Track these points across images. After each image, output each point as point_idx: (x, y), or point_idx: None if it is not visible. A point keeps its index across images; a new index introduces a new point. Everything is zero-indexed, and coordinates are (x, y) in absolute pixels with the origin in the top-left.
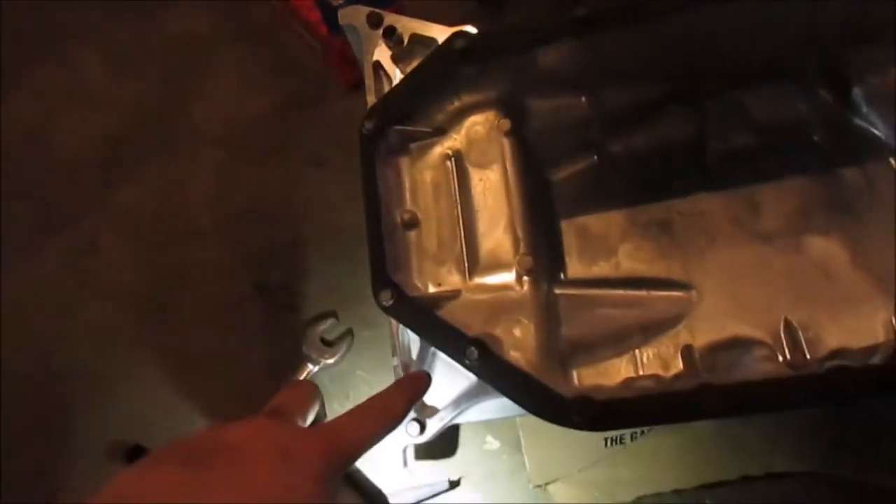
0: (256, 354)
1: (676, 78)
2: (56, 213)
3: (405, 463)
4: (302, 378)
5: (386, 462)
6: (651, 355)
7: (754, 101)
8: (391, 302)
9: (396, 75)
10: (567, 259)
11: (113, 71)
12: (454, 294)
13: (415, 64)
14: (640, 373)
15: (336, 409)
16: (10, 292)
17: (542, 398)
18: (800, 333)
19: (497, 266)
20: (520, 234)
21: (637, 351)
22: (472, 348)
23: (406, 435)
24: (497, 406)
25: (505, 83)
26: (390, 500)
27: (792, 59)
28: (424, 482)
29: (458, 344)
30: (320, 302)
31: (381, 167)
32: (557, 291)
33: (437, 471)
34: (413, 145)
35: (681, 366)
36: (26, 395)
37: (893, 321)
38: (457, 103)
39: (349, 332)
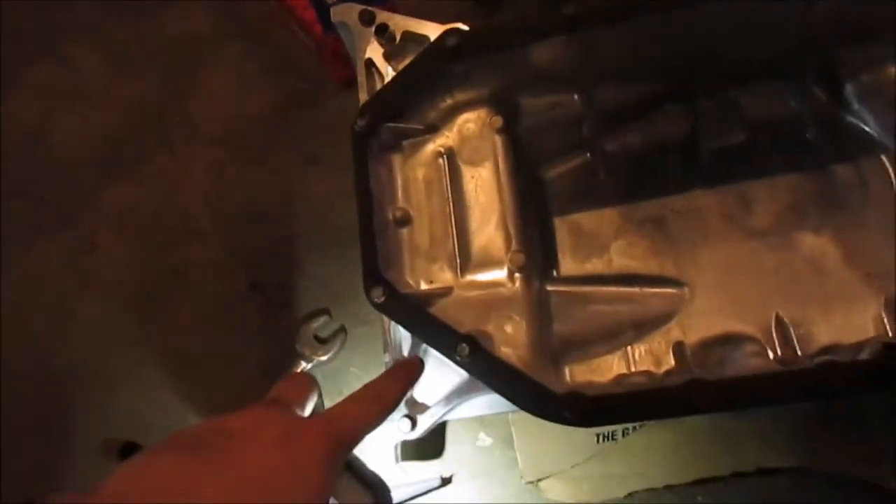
0: (252, 352)
1: (670, 76)
2: (55, 213)
3: (397, 459)
4: None
5: (378, 459)
6: (643, 352)
7: (748, 99)
8: (383, 299)
9: (389, 73)
10: (560, 256)
11: (112, 70)
12: (446, 291)
13: (407, 61)
14: (633, 369)
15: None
16: (9, 292)
17: (532, 394)
18: (791, 330)
19: (489, 263)
20: (511, 231)
21: (629, 347)
22: (464, 345)
23: (397, 431)
24: (488, 402)
25: (497, 81)
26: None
27: (785, 57)
28: (417, 479)
29: (449, 341)
30: (314, 299)
31: (374, 164)
32: (550, 288)
33: (430, 467)
34: (405, 143)
35: (672, 362)
36: (25, 395)
37: (884, 317)
38: (449, 101)
39: (342, 330)
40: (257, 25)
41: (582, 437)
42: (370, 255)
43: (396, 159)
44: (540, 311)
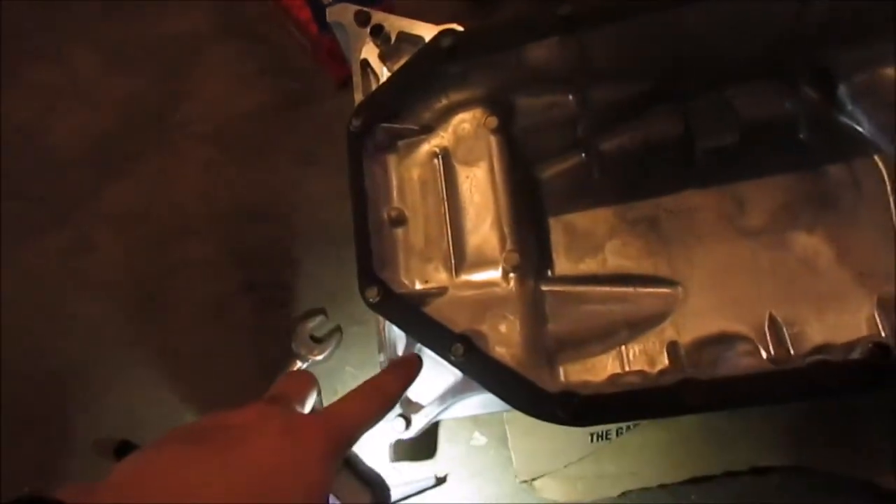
0: (248, 351)
1: (664, 75)
2: (52, 212)
3: (392, 458)
4: None
5: (372, 459)
6: (637, 351)
7: (742, 99)
8: (378, 299)
9: (384, 73)
10: (554, 256)
11: (108, 70)
12: (441, 291)
13: (402, 62)
14: (627, 369)
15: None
16: (5, 290)
17: (526, 394)
18: (784, 329)
19: (484, 263)
20: (506, 231)
21: (623, 347)
22: (458, 345)
23: (392, 431)
24: (482, 402)
25: (492, 81)
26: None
27: (779, 57)
28: (411, 478)
29: (443, 341)
30: (309, 299)
31: (369, 164)
32: (544, 288)
33: (424, 467)
34: (400, 143)
35: (666, 362)
36: (22, 394)
37: (876, 317)
38: (444, 101)
39: (338, 329)
40: (254, 25)
41: (576, 436)
42: (365, 255)
43: (391, 159)
44: (534, 310)
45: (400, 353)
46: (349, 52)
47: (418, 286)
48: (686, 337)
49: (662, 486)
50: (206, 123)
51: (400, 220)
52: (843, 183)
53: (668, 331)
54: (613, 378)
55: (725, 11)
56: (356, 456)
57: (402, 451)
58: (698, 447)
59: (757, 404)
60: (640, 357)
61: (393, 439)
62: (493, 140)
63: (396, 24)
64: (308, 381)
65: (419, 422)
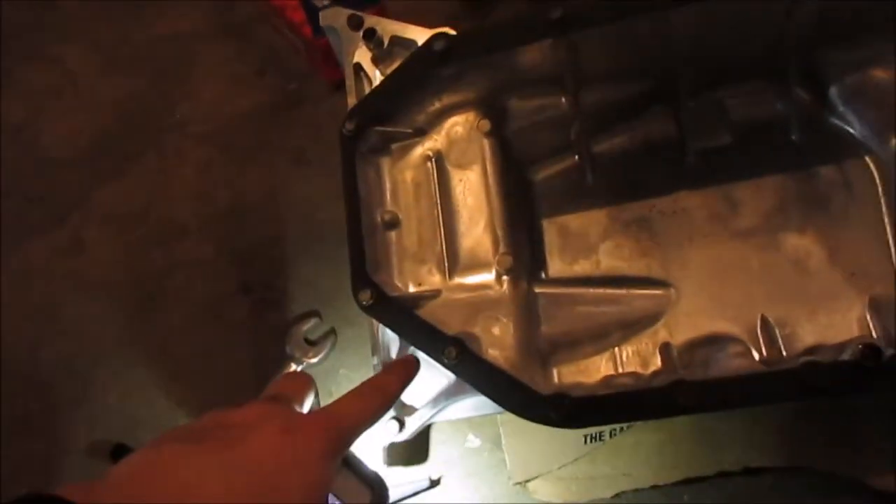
0: (242, 353)
1: (656, 77)
2: (45, 212)
3: (385, 462)
4: None
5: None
6: (630, 353)
7: (733, 101)
8: (371, 302)
9: (377, 77)
10: (548, 257)
11: (102, 70)
12: (434, 293)
13: (395, 65)
14: (620, 370)
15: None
16: (2, 290)
17: (518, 396)
18: (776, 330)
19: (477, 265)
20: (499, 233)
21: (617, 349)
22: (451, 348)
23: (385, 433)
24: (476, 404)
25: (485, 84)
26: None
27: (771, 59)
28: (405, 480)
29: (436, 343)
30: (303, 300)
31: (362, 167)
32: (538, 290)
33: (419, 469)
34: (394, 146)
35: (659, 363)
36: (15, 395)
37: (868, 317)
38: (437, 104)
39: (332, 332)
40: (244, 25)
41: (570, 437)
42: (358, 257)
43: (385, 162)
44: (528, 312)
45: (394, 355)
46: (342, 56)
47: (411, 289)
48: (679, 338)
49: (656, 487)
50: (203, 124)
51: (393, 223)
52: (834, 184)
53: (661, 332)
54: (607, 379)
55: (716, 13)
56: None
57: (396, 455)
58: (691, 448)
59: (749, 405)
60: (633, 358)
61: (386, 442)
62: (485, 143)
63: (389, 27)
64: (306, 381)
65: (413, 424)
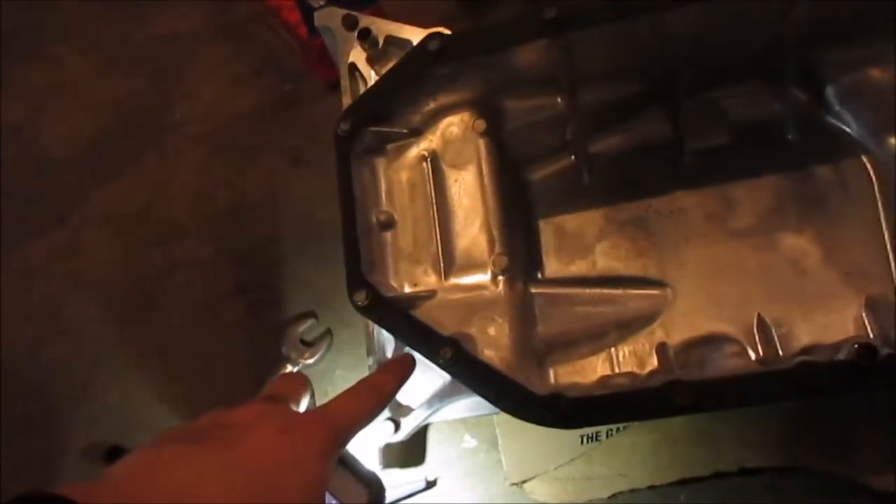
0: (239, 353)
1: (652, 77)
2: (43, 213)
3: (381, 463)
4: None
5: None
6: (627, 353)
7: (730, 101)
8: (366, 303)
9: (371, 77)
10: (544, 257)
11: (99, 70)
12: (429, 294)
13: (390, 65)
14: (616, 370)
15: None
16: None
17: (513, 396)
18: (772, 330)
19: (472, 266)
20: (495, 234)
21: (613, 349)
22: (446, 348)
23: (381, 434)
24: (472, 404)
25: (480, 84)
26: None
27: (767, 59)
28: (401, 481)
29: (431, 344)
30: (300, 300)
31: (357, 168)
32: (534, 290)
33: (415, 470)
34: (389, 146)
35: (656, 363)
36: (17, 395)
37: (864, 317)
38: (432, 104)
39: (328, 333)
40: (241, 26)
41: (566, 438)
42: (353, 258)
43: (380, 163)
44: (523, 313)
45: (389, 356)
46: (337, 56)
47: (407, 289)
48: (675, 338)
49: (652, 488)
50: (197, 124)
51: (389, 224)
52: (831, 183)
53: (657, 332)
54: (603, 380)
55: (711, 13)
56: (351, 455)
57: (392, 456)
58: (687, 448)
59: (745, 405)
60: (629, 359)
61: (382, 443)
62: (481, 143)
63: (384, 27)
64: (303, 382)
65: (408, 425)
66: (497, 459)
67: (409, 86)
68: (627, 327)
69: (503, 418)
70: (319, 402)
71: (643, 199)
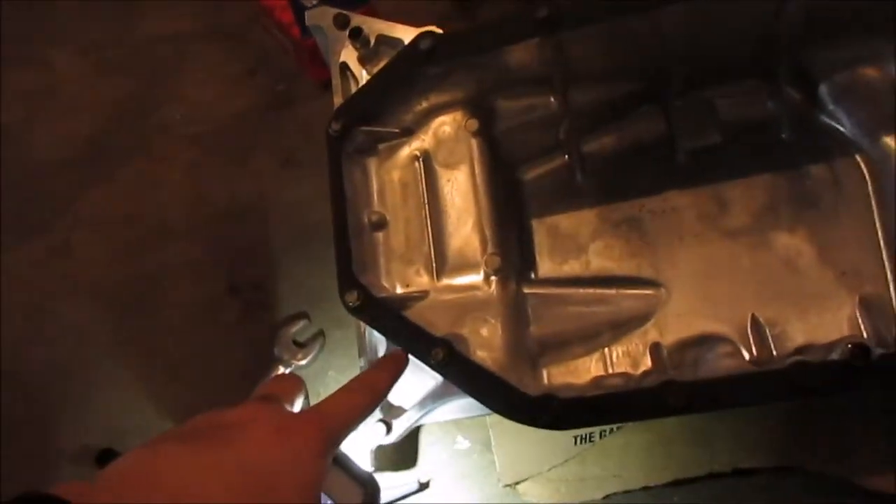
0: (231, 354)
1: (645, 77)
2: (34, 215)
3: (373, 465)
4: None
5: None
6: (620, 353)
7: (723, 100)
8: (357, 303)
9: (363, 76)
10: (537, 257)
11: (91, 72)
12: (422, 294)
13: (381, 65)
14: (610, 371)
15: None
16: None
17: (505, 397)
18: (766, 330)
19: (465, 266)
20: (488, 234)
21: (607, 349)
22: (438, 349)
23: (373, 436)
24: (464, 405)
25: (472, 83)
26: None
27: (760, 58)
28: (394, 483)
29: (423, 345)
30: (292, 301)
31: (349, 168)
32: (527, 290)
33: (408, 472)
34: (381, 146)
35: (650, 363)
36: (9, 398)
37: (858, 316)
38: (424, 104)
39: (321, 334)
40: (234, 26)
41: (560, 439)
42: (345, 258)
43: (372, 162)
44: (516, 313)
45: (380, 356)
46: (328, 56)
47: (399, 290)
48: (669, 338)
49: (646, 489)
50: (189, 125)
51: (380, 224)
52: (825, 182)
53: (651, 332)
54: (597, 380)
55: (704, 12)
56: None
57: (385, 458)
58: (681, 449)
59: (739, 405)
60: (623, 359)
61: (374, 445)
62: (473, 142)
63: (376, 26)
64: (296, 383)
65: (400, 426)
66: (490, 461)
67: (401, 85)
68: (621, 327)
69: (496, 419)
70: (312, 403)
71: (637, 198)
